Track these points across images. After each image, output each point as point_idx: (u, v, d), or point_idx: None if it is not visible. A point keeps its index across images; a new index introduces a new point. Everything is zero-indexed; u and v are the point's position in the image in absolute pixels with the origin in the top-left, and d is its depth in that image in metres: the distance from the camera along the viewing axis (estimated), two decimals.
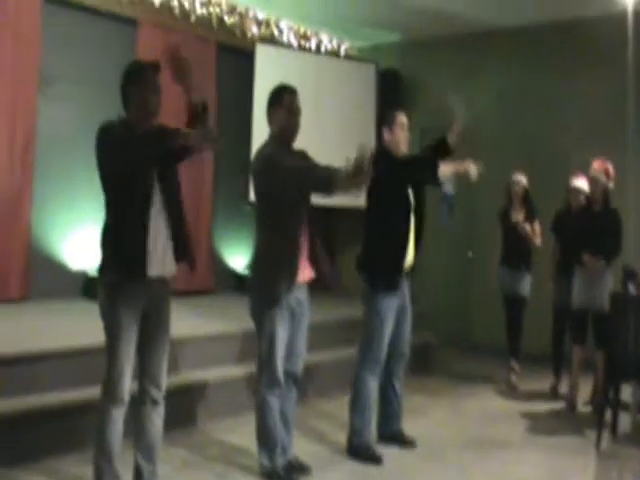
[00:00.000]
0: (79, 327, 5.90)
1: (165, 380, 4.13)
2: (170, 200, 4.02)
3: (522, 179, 7.44)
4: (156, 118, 4.03)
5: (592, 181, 6.53)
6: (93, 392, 4.92)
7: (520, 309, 7.44)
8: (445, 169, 5.01)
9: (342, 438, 5.30)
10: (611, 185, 6.49)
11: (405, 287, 5.28)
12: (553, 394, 7.13)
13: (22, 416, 4.66)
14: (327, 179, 4.35)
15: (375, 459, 5.09)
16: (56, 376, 5.07)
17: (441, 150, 5.31)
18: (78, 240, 7.66)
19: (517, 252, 7.35)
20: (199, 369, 5.95)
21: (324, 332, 6.89)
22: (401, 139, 5.24)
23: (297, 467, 4.75)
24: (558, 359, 7.25)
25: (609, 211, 6.48)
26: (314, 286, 4.73)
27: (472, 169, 5.09)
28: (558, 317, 7.22)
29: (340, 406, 5.63)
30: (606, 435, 5.72)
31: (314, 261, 4.61)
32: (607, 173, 6.46)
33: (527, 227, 7.26)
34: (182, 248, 4.09)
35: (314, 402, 6.38)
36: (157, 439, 4.14)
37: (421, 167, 5.19)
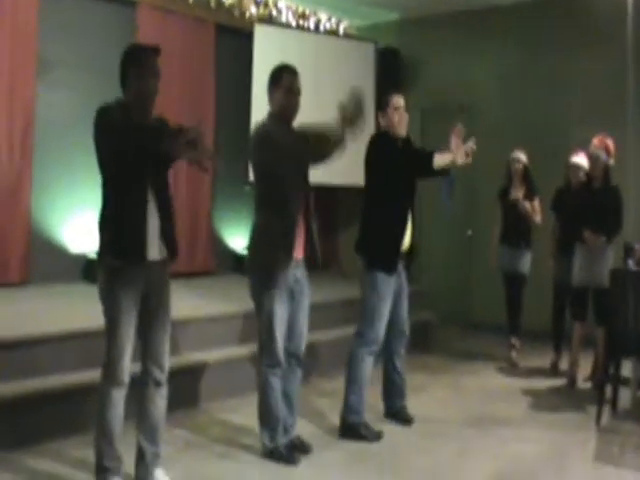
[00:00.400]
0: (79, 310, 5.91)
1: (168, 361, 4.15)
2: (160, 186, 4.04)
3: (522, 156, 7.42)
4: (153, 102, 4.02)
5: (592, 158, 6.52)
6: (94, 375, 4.94)
7: (520, 287, 7.44)
8: (440, 160, 4.95)
9: None
10: (611, 162, 6.47)
11: (401, 267, 5.30)
12: (553, 371, 7.16)
13: (23, 399, 4.68)
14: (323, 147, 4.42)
15: (375, 436, 5.13)
16: (57, 359, 5.09)
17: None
18: (78, 224, 7.69)
19: (517, 230, 7.34)
20: (200, 350, 5.97)
21: (325, 311, 6.91)
22: (397, 121, 5.22)
23: (299, 446, 4.78)
24: (558, 336, 7.28)
25: (609, 188, 6.47)
26: (311, 266, 4.76)
27: (463, 158, 4.99)
28: (558, 294, 7.24)
29: (341, 386, 5.66)
30: (606, 411, 5.73)
31: (307, 239, 4.64)
32: (607, 149, 6.44)
33: (527, 204, 7.25)
34: (169, 235, 4.10)
35: (315, 381, 6.41)
36: (160, 421, 4.15)
37: (418, 160, 5.14)
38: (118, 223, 3.98)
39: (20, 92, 7.22)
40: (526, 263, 7.36)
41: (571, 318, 6.83)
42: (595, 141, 6.49)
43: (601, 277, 6.27)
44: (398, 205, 5.14)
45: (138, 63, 4.01)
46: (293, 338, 4.70)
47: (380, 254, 5.16)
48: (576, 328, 6.69)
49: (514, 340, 7.46)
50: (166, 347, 4.14)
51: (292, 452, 4.68)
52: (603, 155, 6.42)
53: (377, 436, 5.11)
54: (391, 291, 5.16)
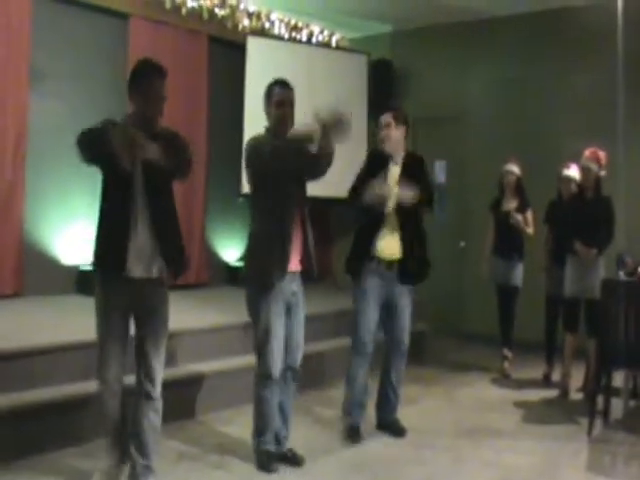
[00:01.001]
0: (73, 322, 5.95)
1: (160, 376, 4.15)
2: (155, 201, 4.07)
3: (515, 168, 7.45)
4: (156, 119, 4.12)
5: (583, 169, 6.56)
6: (89, 386, 5.00)
7: (513, 298, 7.46)
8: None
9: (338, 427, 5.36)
10: (603, 173, 6.52)
11: (392, 279, 5.32)
12: (546, 382, 7.18)
13: (20, 411, 4.67)
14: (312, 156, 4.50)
15: (354, 437, 5.25)
16: (51, 371, 5.08)
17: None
18: (71, 235, 7.69)
19: (510, 242, 7.36)
20: (196, 361, 5.97)
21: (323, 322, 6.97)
22: (380, 140, 5.43)
23: (291, 458, 4.78)
24: (550, 347, 7.30)
25: (601, 199, 6.52)
26: (306, 278, 4.78)
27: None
28: (550, 305, 7.27)
29: (336, 395, 5.68)
30: (598, 421, 5.76)
31: (304, 252, 4.66)
32: (599, 161, 6.48)
33: (519, 217, 7.28)
34: (170, 253, 4.14)
35: (311, 392, 6.41)
36: (150, 435, 4.13)
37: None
38: (101, 237, 4.16)
39: (13, 102, 7.23)
40: (519, 275, 7.39)
41: (563, 329, 6.85)
42: (587, 153, 6.53)
43: (593, 288, 6.28)
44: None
45: (143, 86, 4.07)
46: (290, 351, 4.70)
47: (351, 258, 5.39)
48: (568, 339, 6.71)
49: (506, 351, 7.48)
50: (156, 362, 4.14)
51: (272, 461, 4.67)
52: (594, 166, 6.45)
53: (354, 437, 5.22)
54: (372, 296, 5.25)
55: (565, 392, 6.67)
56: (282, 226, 4.52)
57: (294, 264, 4.60)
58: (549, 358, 7.29)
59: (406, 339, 5.46)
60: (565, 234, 6.66)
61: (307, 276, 4.74)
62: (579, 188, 6.75)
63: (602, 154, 6.51)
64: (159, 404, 4.15)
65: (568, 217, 6.70)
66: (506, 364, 7.45)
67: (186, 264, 4.31)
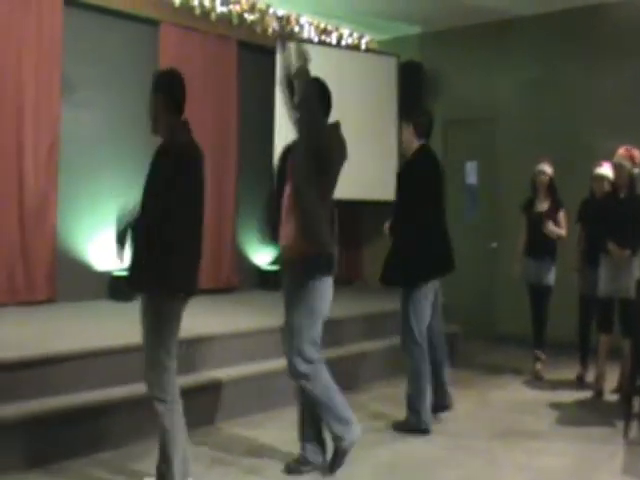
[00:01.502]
0: (106, 328, 6.01)
1: (146, 380, 4.14)
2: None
3: (547, 169, 7.40)
4: None
5: (617, 167, 6.51)
6: (121, 391, 5.04)
7: (545, 299, 7.41)
8: None
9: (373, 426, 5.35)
10: (637, 171, 6.46)
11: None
12: (580, 383, 7.12)
13: (51, 416, 4.69)
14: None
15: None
16: (84, 376, 5.12)
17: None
18: (103, 242, 7.74)
19: (542, 242, 7.30)
20: (223, 366, 5.97)
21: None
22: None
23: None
24: (584, 348, 7.26)
25: (635, 197, 6.46)
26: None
27: None
28: (584, 306, 7.21)
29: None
30: (634, 423, 5.70)
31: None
32: (632, 159, 6.42)
33: (551, 225, 7.19)
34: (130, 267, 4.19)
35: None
36: (161, 439, 4.11)
37: None
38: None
39: (45, 111, 7.30)
40: (551, 275, 7.33)
41: (597, 330, 6.79)
42: (620, 150, 6.48)
43: (627, 288, 6.25)
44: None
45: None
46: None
47: None
48: (602, 340, 6.64)
49: (539, 353, 7.43)
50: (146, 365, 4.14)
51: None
52: (628, 164, 6.41)
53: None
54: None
55: (599, 393, 6.61)
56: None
57: None
58: (583, 359, 7.24)
59: (440, 338, 5.86)
60: (598, 233, 6.62)
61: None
62: (612, 187, 6.69)
63: (636, 152, 6.46)
64: (158, 407, 4.10)
65: (601, 216, 6.65)
66: (539, 365, 7.39)
67: (133, 279, 4.20)
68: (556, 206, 7.35)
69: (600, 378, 6.65)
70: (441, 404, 5.87)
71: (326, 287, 4.53)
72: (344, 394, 4.67)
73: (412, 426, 5.53)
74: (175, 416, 4.07)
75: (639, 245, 6.38)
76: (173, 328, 4.10)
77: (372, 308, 7.89)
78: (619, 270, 6.41)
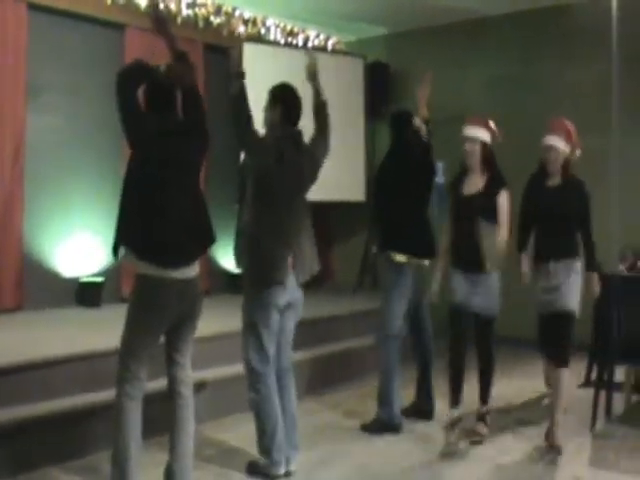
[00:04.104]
0: (74, 335, 6.00)
1: None
2: None
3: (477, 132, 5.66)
4: None
5: (548, 150, 5.34)
6: (92, 398, 5.03)
7: (487, 329, 5.54)
8: None
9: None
10: (577, 153, 5.38)
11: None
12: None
13: (20, 425, 4.68)
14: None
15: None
16: (53, 384, 5.10)
17: None
18: (70, 248, 7.72)
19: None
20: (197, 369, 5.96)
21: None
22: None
23: None
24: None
25: (574, 187, 5.30)
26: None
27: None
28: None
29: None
30: (601, 416, 5.77)
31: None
32: (569, 136, 5.31)
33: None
34: None
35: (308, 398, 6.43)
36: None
37: None
38: None
39: (10, 115, 7.26)
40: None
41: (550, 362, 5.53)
42: (554, 125, 5.45)
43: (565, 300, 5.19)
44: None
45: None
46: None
47: None
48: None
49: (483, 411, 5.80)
50: None
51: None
52: (562, 145, 5.29)
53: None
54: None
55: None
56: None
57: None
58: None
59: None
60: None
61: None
62: (542, 172, 5.44)
63: (572, 127, 5.36)
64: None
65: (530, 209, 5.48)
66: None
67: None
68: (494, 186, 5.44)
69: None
70: (423, 409, 5.86)
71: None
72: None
73: (382, 423, 5.54)
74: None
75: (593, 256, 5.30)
76: None
77: (343, 308, 7.93)
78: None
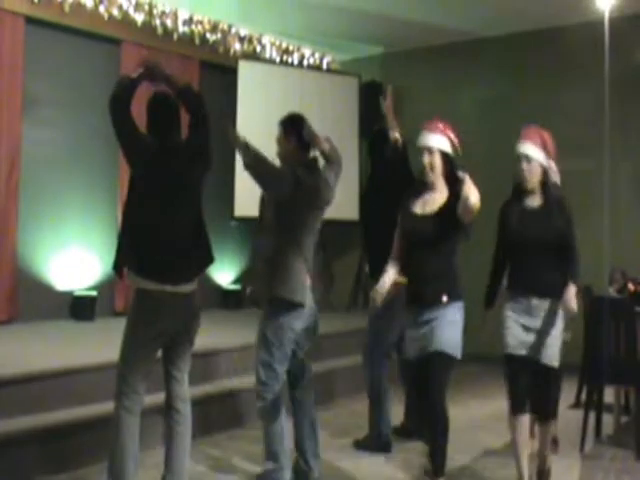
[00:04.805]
0: (68, 348, 6.01)
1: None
2: None
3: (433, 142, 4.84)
4: None
5: (524, 160, 4.59)
6: (84, 412, 5.04)
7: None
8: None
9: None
10: (552, 166, 4.68)
11: None
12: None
13: (11, 438, 4.67)
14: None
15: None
16: (45, 397, 5.10)
17: None
18: (64, 261, 7.74)
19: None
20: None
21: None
22: None
23: None
24: None
25: (555, 205, 4.56)
26: None
27: None
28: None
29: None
30: (590, 437, 5.80)
31: None
32: (545, 146, 4.63)
33: None
34: None
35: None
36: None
37: None
38: None
39: (6, 129, 7.30)
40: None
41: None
42: (528, 131, 4.72)
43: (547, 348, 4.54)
44: None
45: None
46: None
47: None
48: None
49: None
50: None
51: None
52: (540, 155, 4.59)
53: None
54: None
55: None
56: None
57: None
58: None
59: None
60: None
61: None
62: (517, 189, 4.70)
63: (548, 135, 4.68)
64: None
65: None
66: None
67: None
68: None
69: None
70: (412, 429, 5.82)
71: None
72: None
73: (372, 442, 5.57)
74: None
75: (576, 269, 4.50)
76: None
77: (339, 326, 7.97)
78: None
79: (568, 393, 6.71)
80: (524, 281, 4.52)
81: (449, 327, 4.32)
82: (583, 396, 6.38)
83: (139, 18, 8.35)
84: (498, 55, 9.33)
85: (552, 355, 4.45)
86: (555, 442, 5.61)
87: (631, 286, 6.32)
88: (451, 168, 4.50)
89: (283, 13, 8.80)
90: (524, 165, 4.55)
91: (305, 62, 10.38)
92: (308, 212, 4.67)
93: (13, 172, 7.31)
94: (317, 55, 10.54)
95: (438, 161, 4.50)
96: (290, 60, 10.19)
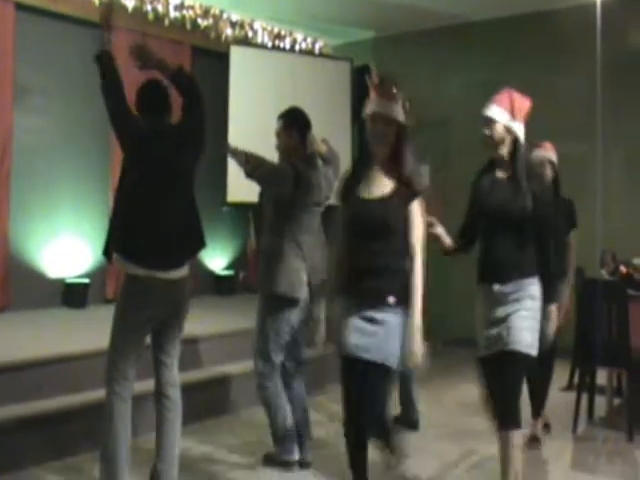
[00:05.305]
0: (61, 336, 6.02)
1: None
2: None
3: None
4: None
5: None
6: (76, 399, 5.05)
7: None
8: None
9: None
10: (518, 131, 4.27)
11: None
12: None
13: (5, 425, 4.68)
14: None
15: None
16: (37, 384, 5.11)
17: None
18: (56, 249, 7.74)
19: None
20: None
21: None
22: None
23: None
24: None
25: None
26: None
27: None
28: None
29: None
30: (582, 419, 5.84)
31: None
32: (512, 106, 4.44)
33: None
34: None
35: None
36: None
37: None
38: None
39: None
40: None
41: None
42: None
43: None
44: None
45: None
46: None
47: None
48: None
49: None
50: None
51: None
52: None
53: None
54: None
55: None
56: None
57: None
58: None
59: None
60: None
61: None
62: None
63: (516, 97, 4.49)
64: None
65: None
66: None
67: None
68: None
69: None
70: (410, 418, 5.81)
71: None
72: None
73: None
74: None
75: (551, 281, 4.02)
76: None
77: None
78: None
79: (561, 376, 6.76)
80: (485, 263, 4.07)
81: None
82: (575, 378, 6.41)
83: (130, 4, 8.29)
84: (489, 39, 9.30)
85: (518, 340, 3.83)
86: (547, 426, 5.64)
87: (623, 269, 6.34)
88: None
89: None
90: (485, 130, 4.17)
91: (297, 47, 10.35)
92: (307, 208, 4.78)
93: (4, 160, 7.27)
94: (309, 40, 10.51)
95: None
96: (282, 45, 10.15)
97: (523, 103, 4.42)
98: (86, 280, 7.85)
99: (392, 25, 9.76)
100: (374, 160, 3.78)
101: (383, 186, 3.74)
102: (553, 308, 3.96)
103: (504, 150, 4.12)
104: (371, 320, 3.64)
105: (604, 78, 8.13)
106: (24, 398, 4.97)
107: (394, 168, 3.77)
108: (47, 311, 7.40)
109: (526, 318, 3.85)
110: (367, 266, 3.67)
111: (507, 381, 3.91)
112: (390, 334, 3.65)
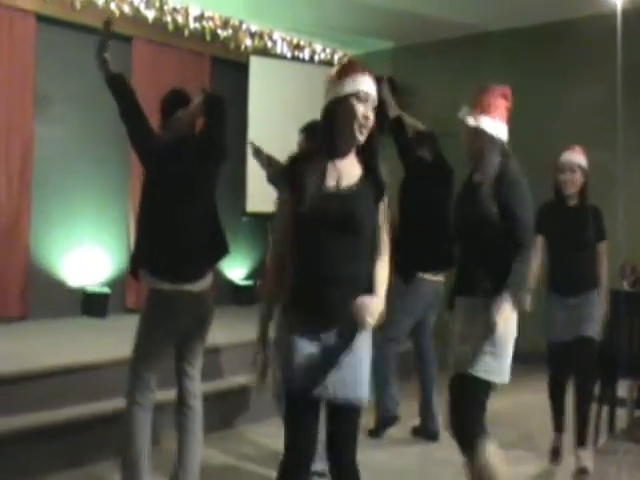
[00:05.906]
0: (80, 345, 6.04)
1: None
2: None
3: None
4: None
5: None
6: (97, 407, 5.06)
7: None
8: None
9: None
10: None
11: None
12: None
13: (23, 434, 4.71)
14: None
15: None
16: (57, 393, 5.13)
17: None
18: (76, 257, 7.77)
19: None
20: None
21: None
22: None
23: None
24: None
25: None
26: None
27: None
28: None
29: None
30: (603, 432, 5.79)
31: None
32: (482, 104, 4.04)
33: None
34: None
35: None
36: None
37: None
38: None
39: (18, 128, 7.32)
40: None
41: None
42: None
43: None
44: None
45: None
46: None
47: None
48: None
49: None
50: None
51: None
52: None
53: None
54: None
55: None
56: None
57: None
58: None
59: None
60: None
61: None
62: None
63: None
64: None
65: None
66: None
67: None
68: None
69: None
70: (429, 430, 5.78)
71: None
72: None
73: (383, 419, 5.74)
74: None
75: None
76: None
77: None
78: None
79: None
80: (459, 278, 3.79)
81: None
82: (596, 391, 6.36)
83: (150, 15, 8.33)
84: (508, 48, 9.27)
85: (472, 362, 3.55)
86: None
87: None
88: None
89: (294, 8, 8.78)
90: (462, 135, 3.85)
91: (316, 58, 10.35)
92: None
93: (25, 170, 7.34)
94: (328, 51, 10.51)
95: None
96: (301, 56, 10.17)
97: (497, 96, 4.05)
98: (106, 289, 7.87)
99: (410, 35, 9.76)
100: (343, 146, 3.16)
101: (350, 176, 3.12)
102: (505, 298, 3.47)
103: (474, 150, 3.89)
104: (336, 345, 3.00)
105: (624, 88, 8.09)
106: (44, 406, 4.98)
107: (364, 157, 3.20)
108: (67, 320, 7.43)
109: (488, 343, 3.52)
110: (329, 274, 3.00)
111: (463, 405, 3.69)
112: (359, 363, 3.03)
